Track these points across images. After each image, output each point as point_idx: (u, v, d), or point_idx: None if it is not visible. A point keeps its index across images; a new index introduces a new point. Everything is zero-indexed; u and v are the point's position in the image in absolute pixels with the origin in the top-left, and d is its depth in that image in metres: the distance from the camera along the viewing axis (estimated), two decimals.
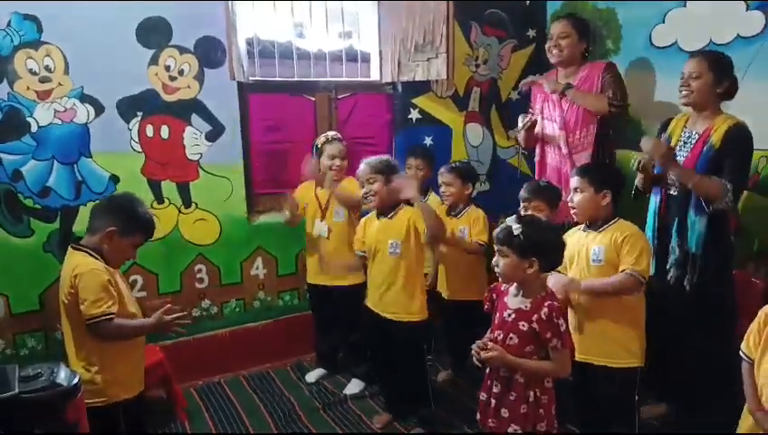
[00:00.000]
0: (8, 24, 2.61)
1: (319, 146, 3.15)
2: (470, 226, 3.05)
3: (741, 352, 1.97)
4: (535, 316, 1.96)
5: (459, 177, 3.06)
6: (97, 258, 2.05)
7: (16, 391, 1.53)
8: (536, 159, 3.42)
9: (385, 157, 2.78)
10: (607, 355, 2.31)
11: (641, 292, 2.31)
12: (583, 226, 2.41)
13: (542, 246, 1.99)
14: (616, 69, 3.16)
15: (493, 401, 2.07)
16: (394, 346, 2.69)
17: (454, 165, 3.18)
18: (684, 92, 2.58)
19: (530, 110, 3.38)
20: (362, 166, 2.70)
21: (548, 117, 3.26)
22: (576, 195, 2.37)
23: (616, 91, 3.07)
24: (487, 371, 2.12)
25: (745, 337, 1.99)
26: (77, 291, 1.97)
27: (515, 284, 2.05)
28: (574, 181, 2.40)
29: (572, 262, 2.37)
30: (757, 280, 2.86)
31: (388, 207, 2.67)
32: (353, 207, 3.06)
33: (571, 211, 2.42)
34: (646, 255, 2.25)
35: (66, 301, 2.03)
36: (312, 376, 3.32)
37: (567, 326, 2.02)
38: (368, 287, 2.79)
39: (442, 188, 3.09)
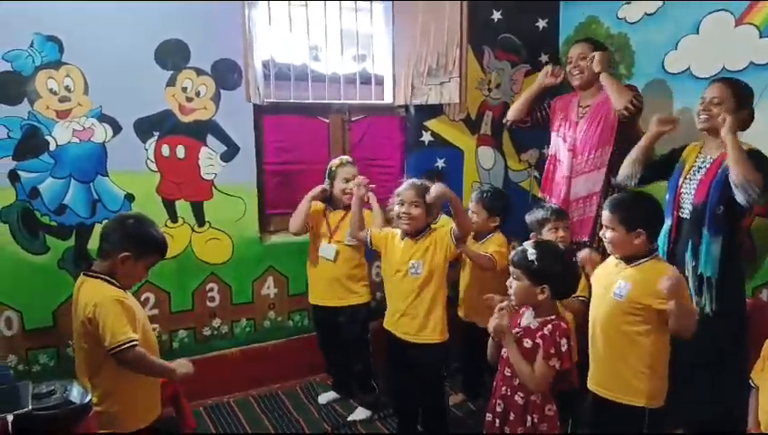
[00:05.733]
0: (31, 45, 2.66)
1: (333, 169, 3.07)
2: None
3: (750, 379, 1.99)
4: (539, 333, 2.00)
5: (484, 208, 3.00)
6: (112, 283, 2.01)
7: (29, 407, 1.54)
8: (545, 172, 3.49)
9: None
10: (612, 389, 2.15)
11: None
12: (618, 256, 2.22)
13: (556, 275, 2.02)
14: (637, 90, 3.16)
15: (497, 420, 2.12)
16: (413, 368, 2.64)
17: (483, 194, 3.06)
18: (703, 117, 2.58)
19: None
20: (407, 186, 2.58)
21: (562, 136, 3.32)
22: (608, 232, 2.17)
23: (638, 96, 3.09)
24: (493, 391, 2.17)
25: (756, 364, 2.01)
26: (96, 322, 1.91)
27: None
28: (605, 218, 2.19)
29: (596, 289, 2.26)
30: None
31: (417, 231, 2.58)
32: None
33: (607, 247, 2.23)
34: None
35: (82, 330, 1.98)
36: (323, 398, 3.30)
37: (570, 347, 2.01)
38: (387, 308, 2.73)
39: (469, 213, 3.01)
